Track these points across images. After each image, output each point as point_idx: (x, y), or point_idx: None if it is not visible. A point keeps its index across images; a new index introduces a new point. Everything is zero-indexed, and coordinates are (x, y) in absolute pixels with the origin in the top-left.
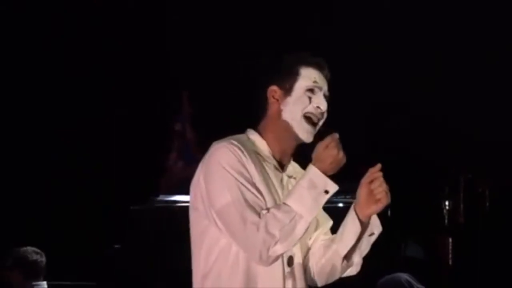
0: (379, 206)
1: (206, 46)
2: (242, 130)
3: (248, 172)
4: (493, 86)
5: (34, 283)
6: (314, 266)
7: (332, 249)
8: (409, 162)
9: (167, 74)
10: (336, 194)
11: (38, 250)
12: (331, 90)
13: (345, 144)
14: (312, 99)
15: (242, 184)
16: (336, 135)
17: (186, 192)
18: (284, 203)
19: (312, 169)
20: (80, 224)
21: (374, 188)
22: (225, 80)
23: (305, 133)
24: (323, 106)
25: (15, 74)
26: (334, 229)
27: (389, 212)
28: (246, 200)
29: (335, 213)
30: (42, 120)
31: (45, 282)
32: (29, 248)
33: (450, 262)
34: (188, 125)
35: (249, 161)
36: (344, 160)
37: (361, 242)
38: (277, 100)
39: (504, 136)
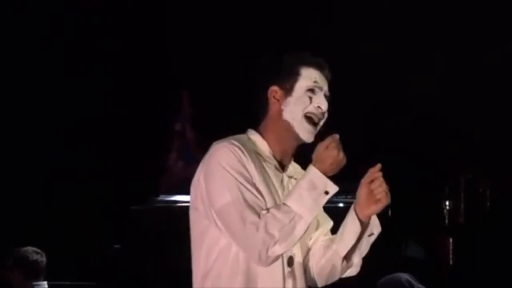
0: (379, 206)
1: (206, 46)
2: (242, 130)
3: (248, 172)
4: (493, 86)
5: (34, 283)
6: (314, 266)
7: (332, 249)
8: (409, 162)
9: (167, 74)
10: (337, 194)
11: (39, 250)
12: (331, 90)
13: (345, 144)
14: (313, 99)
15: (242, 184)
16: (337, 136)
17: (186, 192)
18: (284, 204)
19: (312, 169)
20: (80, 224)
21: (374, 188)
22: (225, 80)
23: (306, 133)
24: (324, 106)
25: (15, 74)
26: (334, 229)
27: (389, 212)
28: (246, 200)
29: (335, 213)
30: (42, 120)
31: (45, 282)
32: (30, 248)
33: (451, 262)
34: (188, 125)
35: (249, 161)
36: (344, 161)
37: (361, 242)
38: (278, 100)
39: (504, 136)
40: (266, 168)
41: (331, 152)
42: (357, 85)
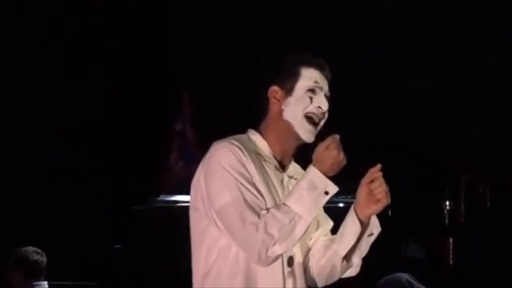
0: (379, 206)
1: (206, 46)
2: (243, 130)
3: (248, 172)
4: (493, 86)
5: (35, 283)
6: (314, 266)
7: (332, 249)
8: (409, 162)
9: (167, 74)
10: (337, 194)
11: (39, 250)
12: (332, 90)
13: (345, 144)
14: (313, 99)
15: (242, 184)
16: (337, 136)
17: (187, 192)
18: (284, 204)
19: (312, 170)
20: (80, 224)
21: (374, 188)
22: (225, 80)
23: (306, 133)
24: (324, 106)
25: (15, 74)
26: (334, 229)
27: (389, 212)
28: (245, 200)
29: (335, 213)
30: (42, 120)
31: (45, 282)
32: (30, 248)
33: (451, 262)
34: (188, 125)
35: (250, 161)
36: (344, 162)
37: (361, 242)
38: (278, 100)
39: (504, 136)
40: (266, 168)
41: (331, 152)
42: (357, 85)
